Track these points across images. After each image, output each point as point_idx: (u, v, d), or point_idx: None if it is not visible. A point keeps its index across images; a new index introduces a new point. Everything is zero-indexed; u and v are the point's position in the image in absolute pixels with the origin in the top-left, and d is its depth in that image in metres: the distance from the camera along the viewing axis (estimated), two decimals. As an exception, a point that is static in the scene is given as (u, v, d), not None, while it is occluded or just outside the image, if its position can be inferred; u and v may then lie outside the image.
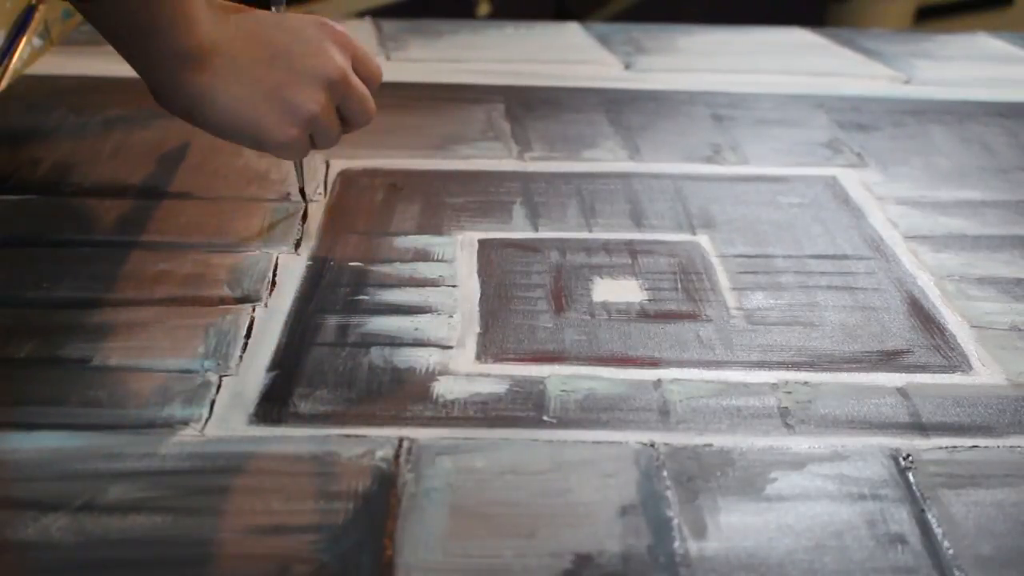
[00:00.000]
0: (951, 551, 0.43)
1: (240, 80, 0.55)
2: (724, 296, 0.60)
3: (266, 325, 0.55)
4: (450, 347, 0.54)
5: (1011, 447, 0.49)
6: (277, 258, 0.61)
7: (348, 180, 0.71)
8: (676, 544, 0.43)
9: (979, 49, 1.04)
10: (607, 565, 0.41)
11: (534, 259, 0.63)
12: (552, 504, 0.44)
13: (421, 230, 0.65)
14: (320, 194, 0.69)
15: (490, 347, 0.54)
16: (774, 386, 0.52)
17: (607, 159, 0.76)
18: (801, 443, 0.48)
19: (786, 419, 0.50)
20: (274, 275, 0.60)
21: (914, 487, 0.46)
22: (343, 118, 0.60)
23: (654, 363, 0.54)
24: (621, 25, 1.11)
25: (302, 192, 0.67)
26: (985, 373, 0.54)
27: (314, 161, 0.74)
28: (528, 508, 0.44)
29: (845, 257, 0.64)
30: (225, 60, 0.55)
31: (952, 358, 0.55)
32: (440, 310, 0.57)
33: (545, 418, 0.49)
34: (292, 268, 0.61)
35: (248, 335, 0.54)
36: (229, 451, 0.47)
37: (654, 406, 0.50)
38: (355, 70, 0.60)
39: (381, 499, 0.44)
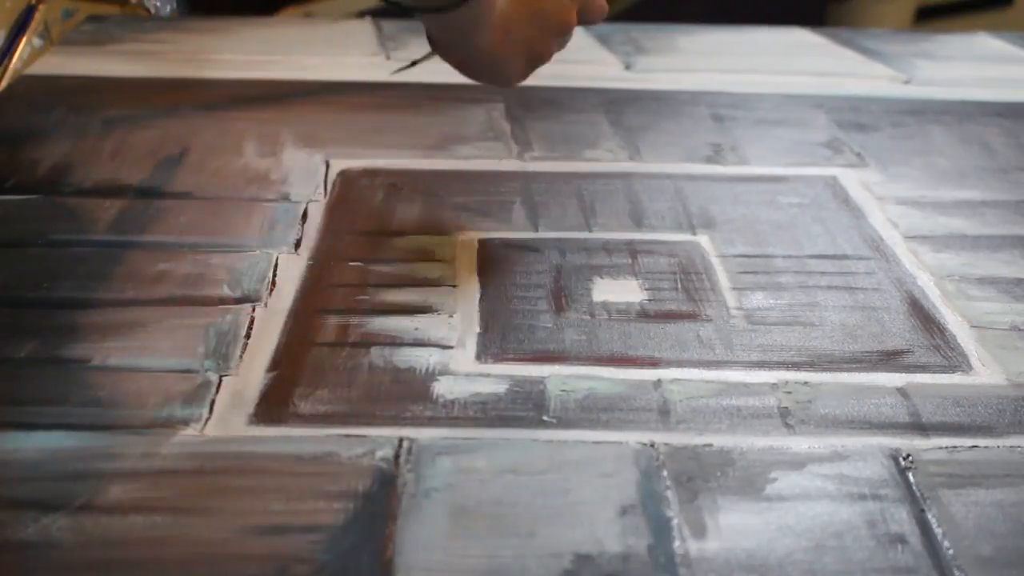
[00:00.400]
0: (951, 551, 0.43)
1: (507, 34, 0.60)
2: (724, 296, 0.60)
3: (266, 325, 0.55)
4: (450, 347, 0.54)
5: (1011, 447, 0.49)
6: (277, 258, 0.61)
7: (348, 180, 0.71)
8: (676, 544, 0.43)
9: (979, 49, 1.04)
10: (607, 565, 0.41)
11: (534, 259, 0.63)
12: (552, 504, 0.44)
13: (421, 230, 0.65)
14: (320, 194, 0.69)
15: (490, 347, 0.54)
16: (774, 386, 0.52)
17: (607, 159, 0.76)
18: (801, 443, 0.48)
19: (786, 419, 0.50)
20: (274, 275, 0.60)
21: (914, 487, 0.46)
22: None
23: (654, 363, 0.54)
24: (621, 25, 1.10)
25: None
26: (985, 373, 0.54)
27: (314, 161, 0.74)
28: (528, 508, 0.44)
29: (845, 257, 0.64)
30: (500, 17, 0.59)
31: (952, 358, 0.55)
32: (440, 310, 0.57)
33: (545, 418, 0.49)
34: (292, 268, 0.61)
35: (248, 335, 0.54)
36: (229, 451, 0.47)
37: (654, 406, 0.50)
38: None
39: (381, 499, 0.44)
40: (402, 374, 0.52)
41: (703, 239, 0.65)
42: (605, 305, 0.58)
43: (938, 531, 0.44)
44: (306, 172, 0.72)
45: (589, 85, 0.90)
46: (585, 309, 0.58)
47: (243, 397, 0.50)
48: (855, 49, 1.02)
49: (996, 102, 0.89)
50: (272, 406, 0.50)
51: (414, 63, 0.71)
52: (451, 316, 0.57)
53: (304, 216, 0.66)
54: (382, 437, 0.48)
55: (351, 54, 0.97)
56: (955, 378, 0.53)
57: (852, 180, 0.74)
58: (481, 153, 0.76)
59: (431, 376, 0.52)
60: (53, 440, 0.47)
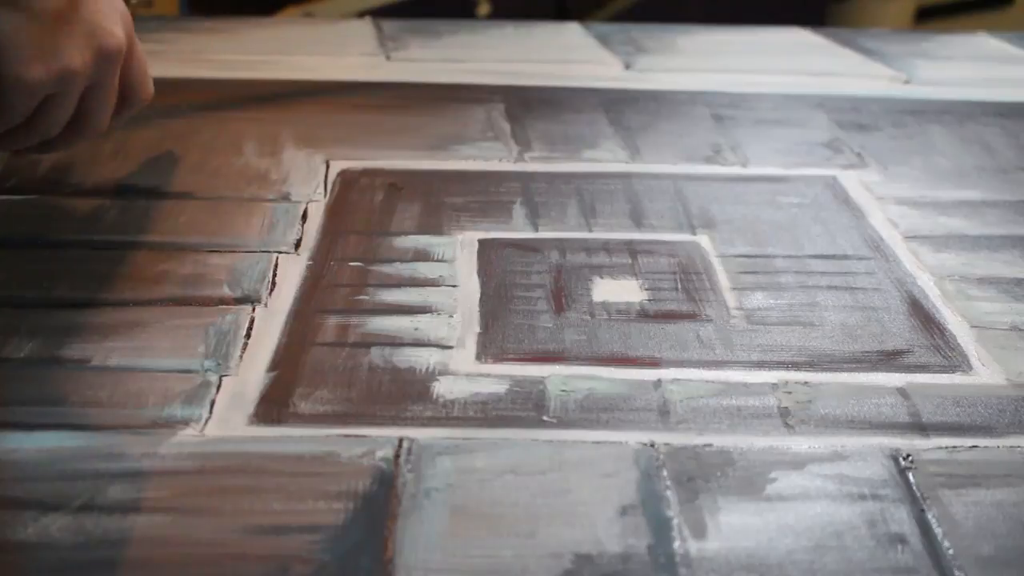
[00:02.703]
0: (951, 551, 0.43)
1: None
2: (724, 296, 0.60)
3: (266, 325, 0.55)
4: (450, 347, 0.54)
5: (1011, 447, 0.49)
6: (277, 258, 0.61)
7: (348, 180, 0.71)
8: (676, 544, 0.43)
9: (979, 49, 1.04)
10: (607, 565, 0.41)
11: (534, 259, 0.63)
12: (552, 504, 0.44)
13: (421, 230, 0.65)
14: (320, 194, 0.69)
15: (490, 347, 0.54)
16: (774, 386, 0.52)
17: (607, 159, 0.76)
18: (801, 443, 0.48)
19: (786, 419, 0.50)
20: (274, 275, 0.60)
21: (914, 487, 0.46)
22: (79, 111, 0.55)
23: (654, 363, 0.54)
24: (621, 25, 1.11)
25: None
26: (985, 373, 0.54)
27: (314, 161, 0.74)
28: (528, 508, 0.44)
29: (845, 257, 0.64)
30: None
31: (952, 358, 0.55)
32: (440, 310, 0.57)
33: (545, 418, 0.49)
34: (292, 268, 0.61)
35: (248, 335, 0.54)
36: (229, 451, 0.47)
37: (654, 406, 0.50)
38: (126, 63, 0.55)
39: (381, 499, 0.44)
40: (402, 374, 0.52)
41: (703, 239, 0.65)
42: (605, 305, 0.58)
43: (938, 531, 0.44)
44: (306, 172, 0.72)
45: (589, 85, 0.90)
46: (585, 309, 0.58)
47: (243, 397, 0.50)
48: (855, 49, 1.02)
49: (996, 102, 0.89)
50: (272, 406, 0.50)
51: None
52: (451, 316, 0.57)
53: (304, 216, 0.66)
54: (382, 437, 0.48)
55: (351, 54, 0.97)
56: (955, 378, 0.53)
57: (852, 180, 0.74)
58: (481, 153, 0.76)
59: (431, 376, 0.52)
60: (53, 440, 0.47)
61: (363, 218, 0.67)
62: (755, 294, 0.60)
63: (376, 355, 0.53)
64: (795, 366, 0.54)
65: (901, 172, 0.76)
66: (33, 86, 0.51)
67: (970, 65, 0.99)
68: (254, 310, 0.56)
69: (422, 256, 0.62)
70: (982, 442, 0.49)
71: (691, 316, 0.58)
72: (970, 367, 0.54)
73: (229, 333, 0.54)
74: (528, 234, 0.65)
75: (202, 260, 0.61)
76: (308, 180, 0.71)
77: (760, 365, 0.54)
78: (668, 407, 0.50)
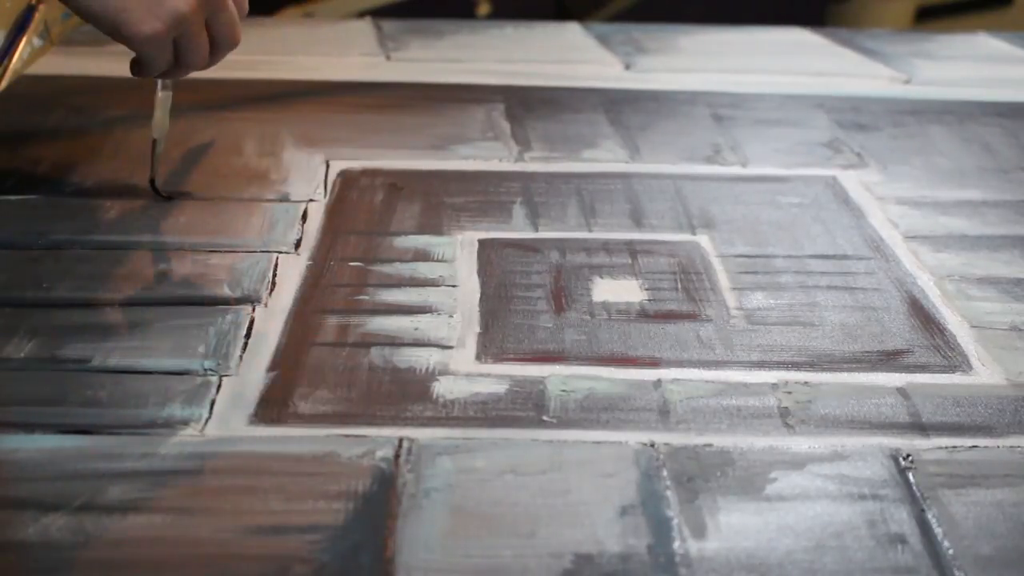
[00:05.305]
0: (951, 551, 0.43)
1: None
2: (724, 296, 0.60)
3: (266, 325, 0.55)
4: (450, 347, 0.54)
5: (1011, 447, 0.49)
6: (277, 258, 0.61)
7: (348, 180, 0.71)
8: (676, 544, 0.42)
9: (979, 49, 1.04)
10: (607, 565, 0.41)
11: (534, 259, 0.63)
12: (552, 504, 0.44)
13: (421, 230, 0.65)
14: (320, 194, 0.69)
15: (490, 347, 0.54)
16: (774, 386, 0.52)
17: (607, 159, 0.76)
18: (801, 443, 0.48)
19: (786, 419, 0.50)
20: (274, 275, 0.60)
21: (914, 487, 0.46)
22: (211, 37, 0.61)
23: (654, 363, 0.54)
24: (621, 25, 1.11)
25: (152, 184, 0.67)
26: (985, 373, 0.54)
27: (314, 161, 0.74)
28: (528, 508, 0.44)
29: (845, 257, 0.64)
30: None
31: (952, 358, 0.55)
32: (440, 310, 0.57)
33: (545, 418, 0.49)
34: (292, 268, 0.61)
35: (248, 335, 0.54)
36: (229, 451, 0.47)
37: (654, 406, 0.50)
38: None
39: (381, 499, 0.44)
40: (402, 374, 0.52)
41: (703, 239, 0.65)
42: (605, 305, 0.58)
43: (938, 531, 0.44)
44: (306, 172, 0.72)
45: (589, 85, 0.90)
46: (585, 309, 0.58)
47: (243, 397, 0.50)
48: (855, 49, 1.02)
49: (996, 102, 0.89)
50: (272, 406, 0.50)
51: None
52: (451, 316, 0.57)
53: (304, 216, 0.66)
54: (382, 437, 0.48)
55: (351, 54, 0.97)
56: (955, 378, 0.53)
57: (852, 180, 0.74)
58: (481, 153, 0.76)
59: (431, 376, 0.52)
60: (53, 440, 0.47)
61: (363, 218, 0.67)
62: (755, 294, 0.60)
63: (376, 355, 0.53)
64: (795, 366, 0.54)
65: (901, 172, 0.76)
66: (156, 39, 0.58)
67: (970, 65, 0.99)
68: (254, 310, 0.56)
69: (422, 256, 0.62)
70: (982, 442, 0.49)
71: (691, 316, 0.58)
72: (970, 367, 0.54)
73: (229, 333, 0.54)
74: (528, 234, 0.65)
75: (202, 260, 0.61)
76: (308, 180, 0.71)
77: (760, 365, 0.54)
78: (668, 407, 0.50)
